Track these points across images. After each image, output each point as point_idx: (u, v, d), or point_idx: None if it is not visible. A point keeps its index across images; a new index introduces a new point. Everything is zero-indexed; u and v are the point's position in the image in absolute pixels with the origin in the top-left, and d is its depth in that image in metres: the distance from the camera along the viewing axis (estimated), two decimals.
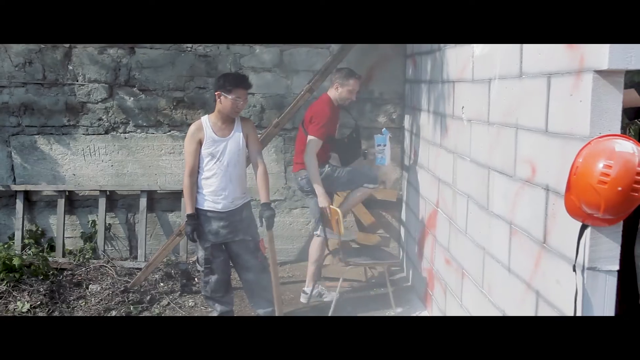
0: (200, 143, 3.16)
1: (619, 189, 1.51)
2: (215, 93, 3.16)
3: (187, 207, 3.22)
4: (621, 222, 1.68)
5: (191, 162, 3.17)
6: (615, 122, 1.66)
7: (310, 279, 3.92)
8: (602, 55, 1.61)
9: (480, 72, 2.62)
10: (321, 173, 3.72)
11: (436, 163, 3.44)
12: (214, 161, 3.17)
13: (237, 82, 3.14)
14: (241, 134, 3.23)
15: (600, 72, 1.65)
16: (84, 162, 4.51)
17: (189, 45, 4.35)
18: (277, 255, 3.40)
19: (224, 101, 3.13)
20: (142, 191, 4.53)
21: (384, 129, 3.95)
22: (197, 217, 3.21)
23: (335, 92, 3.76)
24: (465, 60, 2.82)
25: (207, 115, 3.25)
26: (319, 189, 3.65)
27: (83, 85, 4.38)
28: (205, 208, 3.21)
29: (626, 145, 1.54)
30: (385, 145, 3.86)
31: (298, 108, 4.08)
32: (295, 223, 4.71)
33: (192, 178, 3.19)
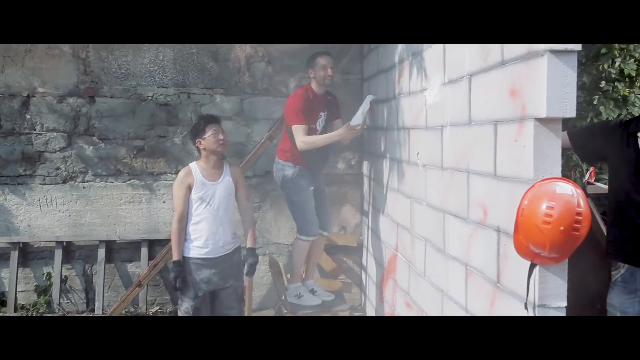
0: (189, 188, 3.20)
1: (562, 228, 1.62)
2: (195, 144, 3.26)
3: (173, 254, 3.22)
4: (567, 260, 1.77)
5: (180, 207, 3.19)
6: (555, 166, 1.79)
7: (298, 278, 4.00)
8: (540, 104, 1.74)
9: (433, 120, 2.75)
10: (292, 174, 3.77)
11: (394, 208, 3.53)
12: (204, 205, 3.20)
13: (206, 121, 3.27)
14: (231, 178, 3.30)
15: (540, 120, 1.78)
16: (40, 212, 4.42)
17: (150, 94, 4.39)
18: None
19: (206, 142, 3.22)
20: (100, 241, 4.46)
21: (369, 95, 3.92)
22: (183, 265, 3.20)
23: (313, 79, 3.84)
24: (419, 108, 2.95)
25: (194, 162, 3.32)
26: (333, 137, 3.67)
27: (41, 134, 4.35)
28: (195, 256, 3.21)
29: (566, 188, 1.66)
30: (364, 112, 3.76)
31: (259, 156, 4.15)
32: (258, 270, 4.69)
33: (181, 223, 3.20)
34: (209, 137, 3.21)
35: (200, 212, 3.21)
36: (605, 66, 3.35)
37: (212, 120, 3.29)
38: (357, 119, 3.65)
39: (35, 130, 4.35)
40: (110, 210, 4.49)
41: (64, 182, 4.42)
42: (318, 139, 3.72)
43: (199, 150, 3.30)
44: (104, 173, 4.45)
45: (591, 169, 3.05)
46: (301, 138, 3.69)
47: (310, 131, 3.77)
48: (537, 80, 1.77)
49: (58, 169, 4.41)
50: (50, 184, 4.42)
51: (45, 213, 4.43)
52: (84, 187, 4.45)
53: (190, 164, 3.31)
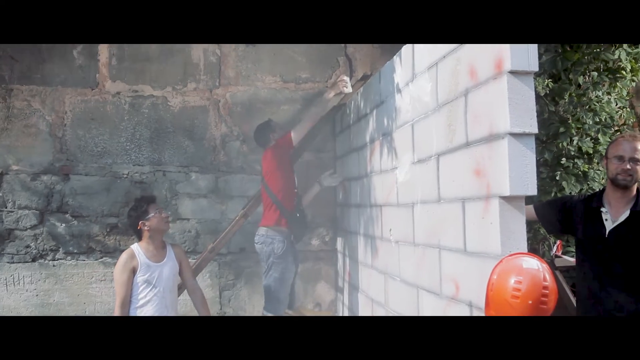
0: (134, 271, 3.14)
1: (530, 302, 1.68)
2: (138, 227, 3.23)
3: None
4: None
5: (123, 293, 3.11)
6: (522, 241, 1.87)
7: None
8: (504, 183, 1.85)
9: (404, 197, 2.84)
10: (281, 249, 3.79)
11: (369, 284, 3.55)
12: (149, 288, 3.14)
13: (147, 202, 3.28)
14: (175, 259, 3.27)
15: (504, 198, 1.88)
16: (6, 292, 4.30)
17: (125, 171, 4.43)
18: None
19: (151, 222, 3.20)
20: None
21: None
22: None
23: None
24: (390, 186, 3.06)
25: (136, 244, 3.27)
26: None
27: (12, 211, 4.31)
28: None
29: (532, 262, 1.74)
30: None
31: (233, 233, 4.16)
32: None
33: (125, 309, 3.12)
34: (153, 217, 3.20)
35: (145, 294, 3.14)
36: (565, 144, 3.54)
37: (152, 200, 3.32)
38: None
39: (6, 207, 4.31)
40: (81, 289, 4.39)
41: (33, 260, 4.34)
42: (305, 123, 3.94)
43: (140, 232, 3.25)
44: (75, 251, 4.39)
45: (558, 242, 3.16)
46: (297, 137, 3.90)
47: (287, 214, 3.88)
48: (499, 161, 1.88)
49: (28, 247, 4.34)
50: (19, 262, 4.33)
51: (11, 293, 4.31)
52: (53, 266, 4.37)
53: (132, 246, 3.26)
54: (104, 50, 4.46)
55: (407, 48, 2.82)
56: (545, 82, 3.49)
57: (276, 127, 4.13)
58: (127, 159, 4.46)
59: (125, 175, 4.46)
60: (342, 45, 4.69)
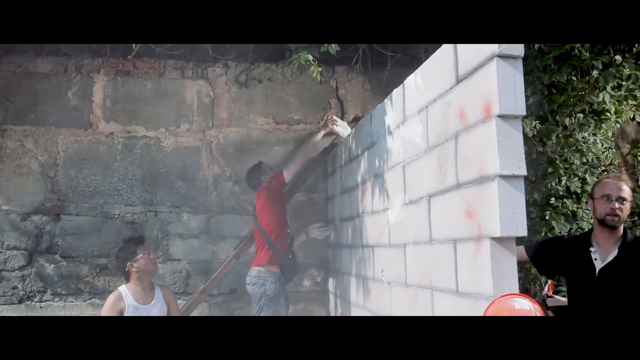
0: (121, 313, 3.11)
1: None
2: (125, 268, 3.21)
3: None
4: None
5: None
6: (513, 282, 1.89)
7: None
8: (494, 224, 1.88)
9: (396, 238, 2.86)
10: (273, 290, 3.79)
11: None
12: None
13: (135, 243, 3.27)
14: (163, 301, 3.25)
15: (495, 239, 1.91)
16: None
17: (116, 212, 4.42)
18: None
19: (139, 264, 3.19)
20: None
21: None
22: None
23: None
24: (382, 226, 3.08)
25: (123, 285, 3.26)
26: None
27: (0, 252, 4.27)
28: None
29: (524, 303, 1.75)
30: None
31: (225, 274, 4.14)
32: None
33: None
34: (141, 259, 3.20)
35: None
36: (553, 184, 3.60)
37: (141, 241, 3.32)
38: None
39: None
40: None
41: (20, 302, 4.28)
42: (296, 161, 4.05)
43: (128, 273, 3.24)
44: (63, 292, 4.34)
45: (549, 282, 3.17)
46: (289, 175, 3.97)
47: (280, 255, 3.88)
48: (490, 202, 1.92)
49: (15, 288, 4.28)
50: (5, 304, 4.26)
51: None
52: (41, 307, 4.30)
53: (119, 288, 3.25)
54: (98, 91, 4.51)
55: (397, 91, 2.89)
56: (533, 124, 3.58)
57: (267, 169, 4.18)
58: (118, 199, 4.46)
59: (116, 216, 4.45)
60: (334, 87, 4.78)
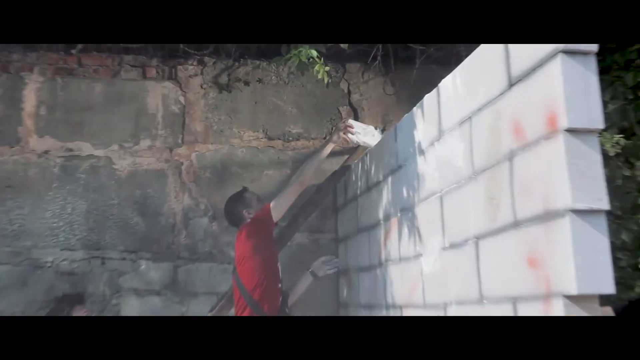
0: None
1: None
2: None
3: None
4: None
5: None
6: None
7: None
8: (568, 277, 1.85)
9: (432, 296, 2.83)
10: None
11: None
12: None
13: (67, 303, 3.49)
14: None
15: (570, 298, 1.88)
16: None
17: (49, 259, 4.40)
18: None
19: None
20: None
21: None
22: None
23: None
24: (414, 280, 3.05)
25: None
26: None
27: None
28: None
29: None
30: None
31: None
32: None
33: None
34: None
35: None
36: None
37: (80, 300, 3.46)
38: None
39: None
40: None
41: None
42: (290, 190, 3.95)
43: None
44: None
45: None
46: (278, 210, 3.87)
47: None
48: (560, 247, 1.89)
49: None
50: None
51: None
52: None
53: None
54: (30, 95, 4.53)
55: (430, 97, 2.90)
56: (615, 139, 3.56)
57: (252, 199, 4.03)
58: (52, 241, 4.44)
59: (48, 264, 4.42)
60: (345, 90, 4.80)
